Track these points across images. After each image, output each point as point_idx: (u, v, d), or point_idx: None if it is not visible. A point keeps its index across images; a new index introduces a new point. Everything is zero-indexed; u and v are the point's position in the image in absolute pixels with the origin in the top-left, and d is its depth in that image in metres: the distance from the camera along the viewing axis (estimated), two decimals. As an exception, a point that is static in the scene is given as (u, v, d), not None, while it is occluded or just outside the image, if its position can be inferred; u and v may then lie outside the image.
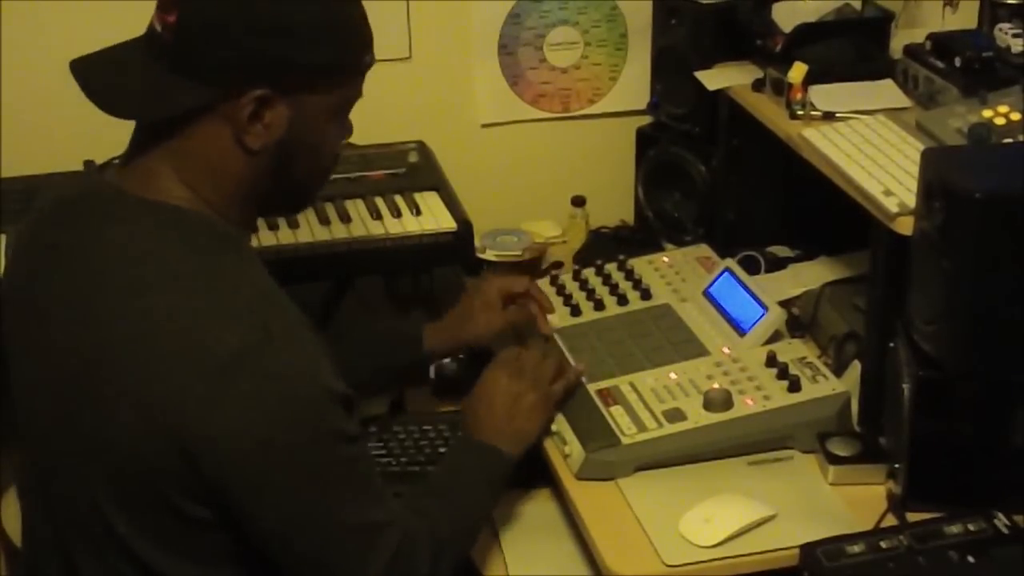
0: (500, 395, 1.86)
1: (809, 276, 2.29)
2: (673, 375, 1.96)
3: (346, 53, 1.53)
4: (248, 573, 1.54)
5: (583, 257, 2.48)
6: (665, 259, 2.30)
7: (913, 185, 1.72)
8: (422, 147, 2.46)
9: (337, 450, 1.48)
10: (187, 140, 1.49)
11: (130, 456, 1.45)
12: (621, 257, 2.29)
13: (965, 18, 2.27)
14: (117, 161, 1.57)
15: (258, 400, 1.41)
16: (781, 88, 2.14)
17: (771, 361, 1.95)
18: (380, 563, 1.51)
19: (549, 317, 2.12)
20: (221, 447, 1.41)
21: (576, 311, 2.16)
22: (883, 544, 1.63)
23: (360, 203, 2.28)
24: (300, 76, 1.48)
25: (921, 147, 1.80)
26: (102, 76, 1.50)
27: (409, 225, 2.23)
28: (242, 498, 1.45)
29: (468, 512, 1.72)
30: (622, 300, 2.18)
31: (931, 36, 2.12)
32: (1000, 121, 1.86)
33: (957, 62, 2.03)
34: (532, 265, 2.44)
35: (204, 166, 1.50)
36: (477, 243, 2.35)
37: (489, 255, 2.41)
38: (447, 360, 2.20)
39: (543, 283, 2.24)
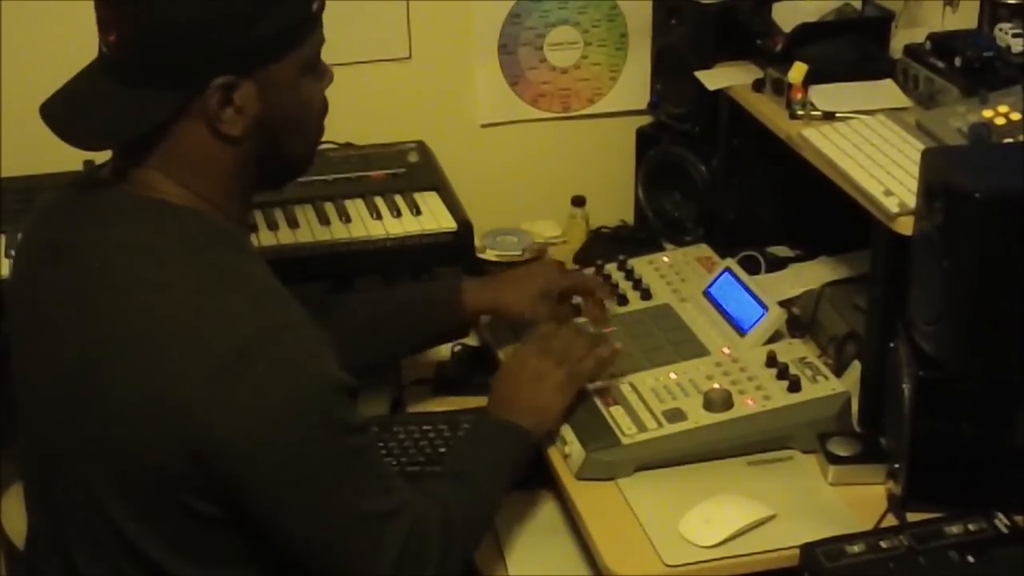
0: (527, 371, 1.86)
1: (809, 276, 2.29)
2: (673, 375, 1.96)
3: (293, 14, 1.50)
4: (257, 572, 1.54)
5: (583, 257, 2.48)
6: (665, 259, 2.30)
7: (913, 185, 1.72)
8: (422, 147, 2.46)
9: (345, 441, 1.49)
10: (169, 146, 1.49)
11: (137, 456, 1.45)
12: (621, 257, 2.29)
13: (965, 18, 2.27)
14: (109, 162, 1.58)
15: (265, 396, 1.41)
16: (781, 88, 2.14)
17: (771, 361, 1.95)
18: (391, 551, 1.52)
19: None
20: (230, 444, 1.42)
21: (576, 311, 2.15)
22: (883, 544, 1.63)
23: (360, 203, 2.28)
24: (255, 53, 1.47)
25: (921, 147, 1.80)
26: (70, 115, 1.49)
27: (409, 225, 2.23)
28: (253, 493, 1.45)
29: (484, 492, 1.71)
30: (622, 300, 2.18)
31: (931, 36, 2.12)
32: (1000, 121, 1.86)
33: (957, 62, 2.03)
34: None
35: (192, 165, 1.50)
36: (477, 243, 2.34)
37: (489, 255, 2.41)
38: (447, 360, 2.21)
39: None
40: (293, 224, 2.21)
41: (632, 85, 2.61)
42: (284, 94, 1.51)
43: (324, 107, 1.60)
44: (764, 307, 2.05)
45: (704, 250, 2.31)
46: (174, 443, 1.42)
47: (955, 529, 1.64)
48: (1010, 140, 1.83)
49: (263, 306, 1.46)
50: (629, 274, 2.24)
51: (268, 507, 1.47)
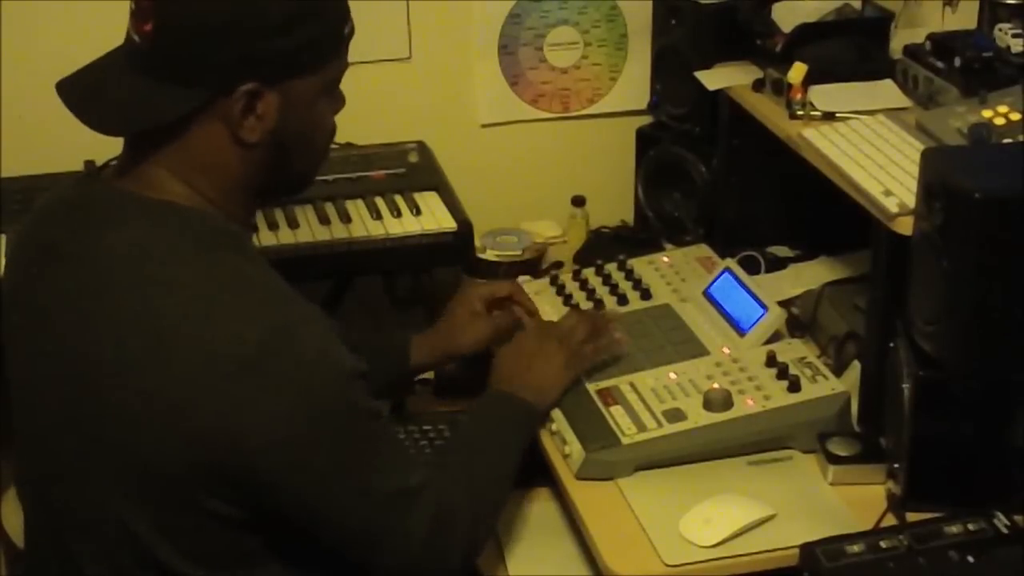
0: (530, 350, 1.90)
1: (809, 276, 2.29)
2: (673, 375, 1.96)
3: (326, 32, 1.52)
4: (265, 574, 1.54)
5: (583, 257, 2.48)
6: (665, 259, 2.30)
7: (913, 185, 1.72)
8: (422, 147, 2.46)
9: (366, 427, 1.52)
10: (183, 143, 1.49)
11: (152, 459, 1.44)
12: (621, 257, 2.29)
13: (965, 18, 2.27)
14: (115, 162, 1.57)
15: (282, 394, 1.42)
16: (781, 88, 2.14)
17: (771, 361, 1.95)
18: (422, 525, 1.55)
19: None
20: (253, 444, 1.42)
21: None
22: (883, 544, 1.63)
23: (360, 203, 2.28)
24: (285, 65, 1.48)
25: (921, 147, 1.80)
26: (89, 97, 1.50)
27: (409, 225, 2.23)
28: (281, 489, 1.46)
29: (499, 465, 1.74)
30: (622, 300, 2.18)
31: (931, 36, 2.12)
32: (1000, 121, 1.86)
33: (957, 62, 2.03)
34: (532, 265, 2.44)
35: (203, 165, 1.50)
36: (477, 243, 2.35)
37: (489, 255, 2.42)
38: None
39: (543, 283, 2.24)
40: (293, 224, 2.21)
41: (632, 85, 2.61)
42: (302, 110, 1.52)
43: (333, 131, 1.62)
44: (764, 307, 2.05)
45: (704, 250, 2.31)
46: (188, 446, 1.42)
47: (955, 529, 1.64)
48: (1010, 140, 1.83)
49: (271, 306, 1.46)
50: (629, 274, 2.25)
51: (297, 501, 1.48)
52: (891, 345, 1.79)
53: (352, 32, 1.56)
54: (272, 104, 1.48)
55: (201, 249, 1.48)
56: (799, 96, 2.11)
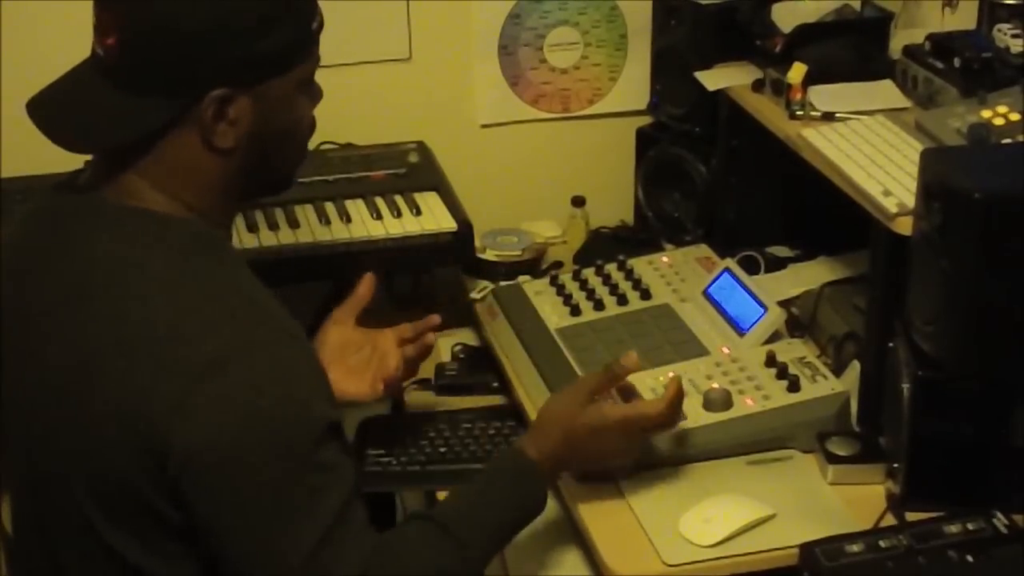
0: (597, 442, 1.72)
1: (809, 276, 2.29)
2: (672, 375, 1.95)
3: (294, 32, 1.49)
4: None
5: (583, 257, 2.48)
6: (665, 259, 2.30)
7: (912, 185, 1.72)
8: (422, 147, 2.47)
9: (303, 477, 1.42)
10: (157, 152, 1.47)
11: (110, 462, 1.43)
12: (621, 257, 2.29)
13: (964, 18, 2.27)
14: (88, 170, 1.56)
15: (227, 410, 1.38)
16: (781, 88, 2.14)
17: (770, 361, 1.95)
18: None
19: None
20: (185, 453, 1.38)
21: (576, 311, 2.16)
22: (882, 543, 1.63)
23: (360, 203, 2.28)
24: (255, 69, 1.46)
25: (920, 147, 1.80)
26: (57, 116, 1.49)
27: (409, 225, 2.23)
28: (199, 506, 1.41)
29: (469, 562, 1.57)
30: (622, 300, 2.18)
31: (930, 36, 2.13)
32: (999, 121, 1.86)
33: (956, 62, 2.03)
34: (532, 265, 2.44)
35: (180, 174, 1.48)
36: (477, 243, 2.35)
37: (489, 255, 2.42)
38: (447, 360, 2.21)
39: (543, 283, 2.25)
40: (293, 224, 2.21)
41: (632, 85, 2.61)
42: (278, 110, 1.50)
43: (312, 127, 1.60)
44: (763, 307, 2.05)
45: (704, 250, 2.31)
46: (140, 448, 1.40)
47: (954, 528, 1.64)
48: (1009, 140, 1.83)
49: (245, 318, 1.43)
50: (629, 274, 2.25)
51: (208, 523, 1.42)
52: (890, 345, 1.79)
53: (321, 26, 1.53)
54: (245, 108, 1.46)
55: (180, 257, 1.46)
56: (798, 96, 2.11)
